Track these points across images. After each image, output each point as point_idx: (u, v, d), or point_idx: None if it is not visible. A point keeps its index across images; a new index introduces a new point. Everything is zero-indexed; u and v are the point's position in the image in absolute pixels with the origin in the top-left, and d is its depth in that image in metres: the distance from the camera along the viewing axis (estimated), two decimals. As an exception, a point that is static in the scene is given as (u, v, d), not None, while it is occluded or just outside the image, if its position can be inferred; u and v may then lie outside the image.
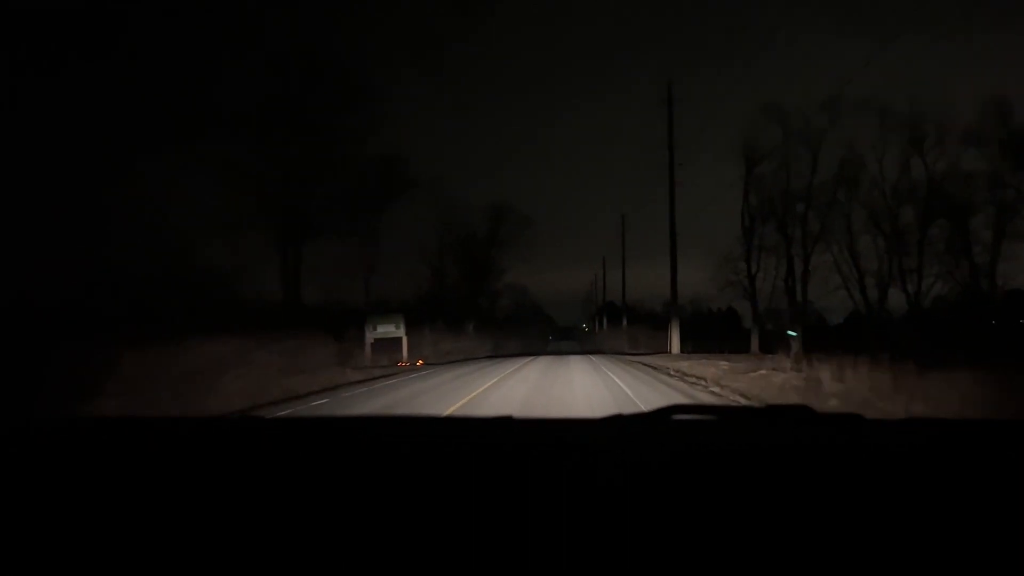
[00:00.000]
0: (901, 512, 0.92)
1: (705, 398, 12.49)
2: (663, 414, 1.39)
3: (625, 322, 53.57)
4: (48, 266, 12.43)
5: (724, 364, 19.37)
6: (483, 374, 19.21)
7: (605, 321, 66.30)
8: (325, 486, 1.03)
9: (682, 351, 30.96)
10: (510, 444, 1.25)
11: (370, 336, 27.25)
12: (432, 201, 41.15)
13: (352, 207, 27.18)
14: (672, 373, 18.67)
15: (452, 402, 11.76)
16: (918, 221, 29.43)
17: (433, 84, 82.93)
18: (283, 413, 10.62)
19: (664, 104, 32.39)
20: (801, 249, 32.15)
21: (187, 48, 19.19)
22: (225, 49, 21.15)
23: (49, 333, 9.60)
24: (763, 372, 15.74)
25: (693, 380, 15.90)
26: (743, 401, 11.82)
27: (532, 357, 31.81)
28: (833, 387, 12.01)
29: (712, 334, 40.94)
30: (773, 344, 29.26)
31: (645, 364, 23.41)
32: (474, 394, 13.10)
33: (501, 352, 40.66)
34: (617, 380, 15.78)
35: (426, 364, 27.39)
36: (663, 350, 33.14)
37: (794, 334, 23.75)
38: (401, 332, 27.85)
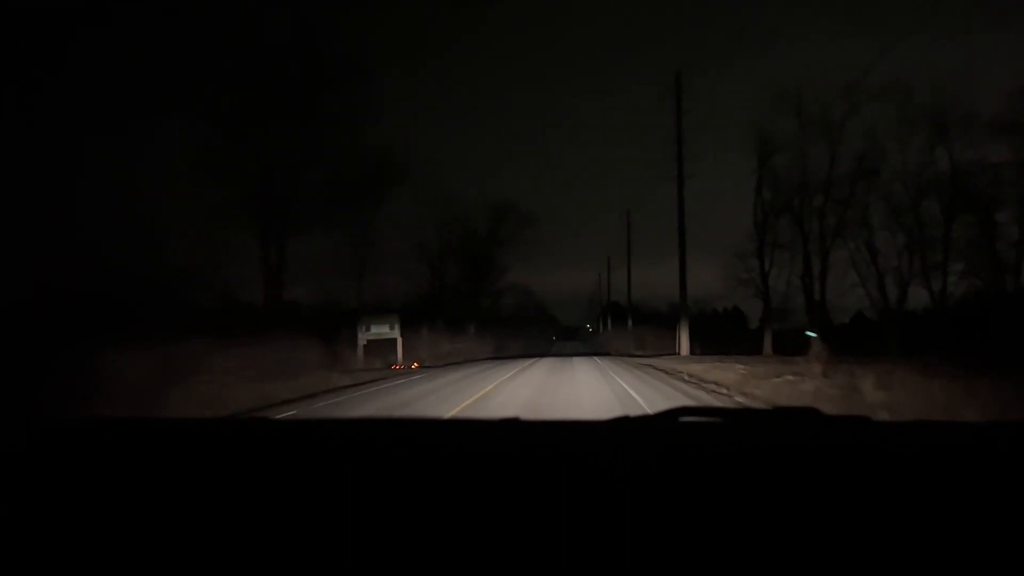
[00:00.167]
0: (909, 515, 0.91)
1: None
2: (670, 416, 1.36)
3: (631, 322, 52.13)
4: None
5: (741, 368, 18.05)
6: (481, 378, 18.27)
7: (610, 321, 65.23)
8: (327, 486, 1.02)
9: (691, 353, 29.56)
10: (515, 446, 1.22)
11: (363, 337, 26.03)
12: (432, 200, 39.73)
13: (341, 198, 25.46)
14: (687, 378, 17.17)
15: (440, 414, 10.34)
16: (943, 214, 27.77)
17: (435, 82, 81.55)
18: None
19: (672, 94, 31.03)
20: (818, 244, 30.55)
21: (167, 29, 17.79)
22: (211, 31, 19.71)
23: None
24: (789, 378, 14.27)
25: (712, 387, 14.36)
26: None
27: (534, 360, 30.49)
28: (876, 396, 10.51)
29: (718, 335, 39.89)
30: (786, 346, 27.80)
31: (656, 368, 21.91)
32: (465, 404, 11.85)
33: (503, 354, 39.53)
34: (629, 389, 14.09)
35: (422, 367, 26.05)
36: (671, 351, 32.03)
37: (814, 335, 22.21)
38: (396, 333, 26.60)
